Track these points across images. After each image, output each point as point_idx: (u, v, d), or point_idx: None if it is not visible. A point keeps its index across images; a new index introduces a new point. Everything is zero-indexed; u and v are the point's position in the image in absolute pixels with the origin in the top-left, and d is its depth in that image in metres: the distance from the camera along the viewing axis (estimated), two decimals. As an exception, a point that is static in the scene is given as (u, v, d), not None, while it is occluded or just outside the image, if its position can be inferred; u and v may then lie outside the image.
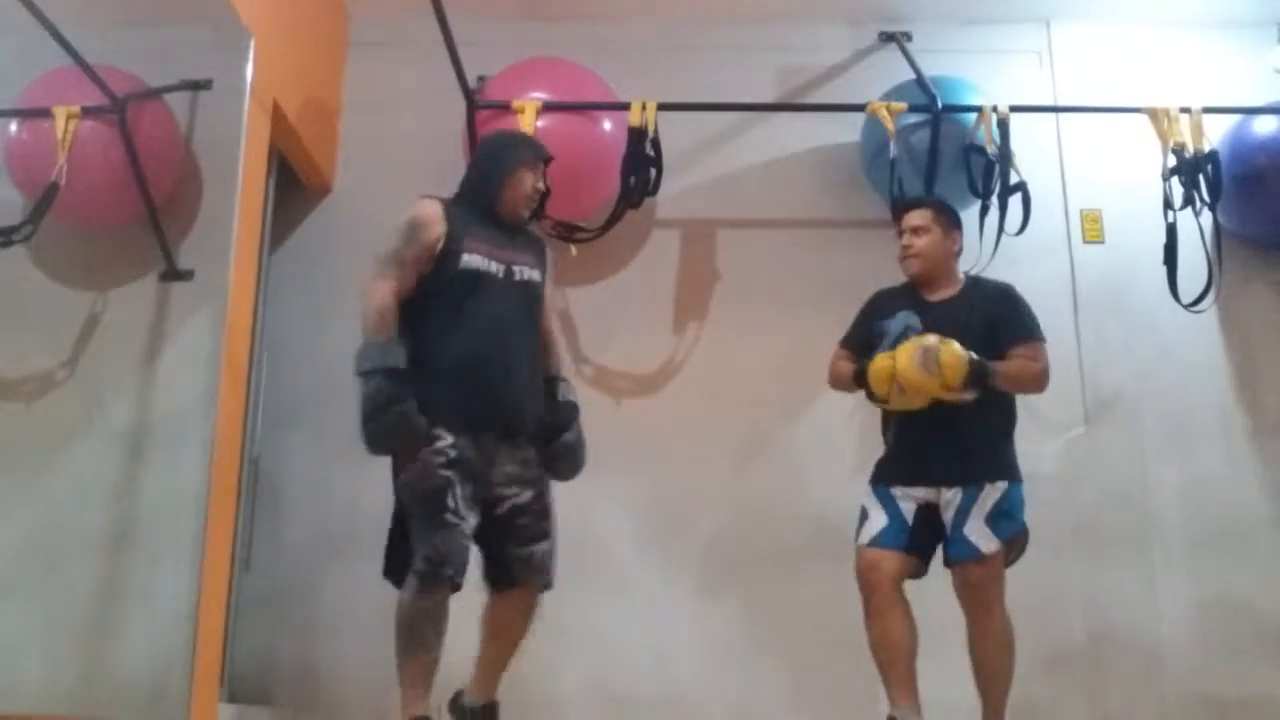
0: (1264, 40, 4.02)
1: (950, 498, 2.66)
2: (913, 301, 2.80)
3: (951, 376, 2.55)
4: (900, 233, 2.88)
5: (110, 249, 3.14)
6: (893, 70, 3.82)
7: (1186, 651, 3.50)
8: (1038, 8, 4.05)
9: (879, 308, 2.87)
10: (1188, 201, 3.43)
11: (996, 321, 2.72)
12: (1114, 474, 3.67)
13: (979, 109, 3.49)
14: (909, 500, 2.72)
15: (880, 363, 2.63)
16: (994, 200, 3.45)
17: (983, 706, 2.71)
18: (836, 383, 2.88)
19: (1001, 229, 3.45)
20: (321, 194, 3.90)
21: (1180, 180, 3.43)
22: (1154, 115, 3.48)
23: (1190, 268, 3.45)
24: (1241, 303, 3.80)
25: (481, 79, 3.64)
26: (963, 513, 2.63)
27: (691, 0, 4.01)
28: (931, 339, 2.61)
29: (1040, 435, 3.71)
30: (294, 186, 3.81)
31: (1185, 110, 3.47)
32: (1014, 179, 3.44)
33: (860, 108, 3.57)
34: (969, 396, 2.59)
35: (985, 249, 3.43)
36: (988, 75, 3.80)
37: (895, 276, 3.76)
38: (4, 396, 2.93)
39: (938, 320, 2.69)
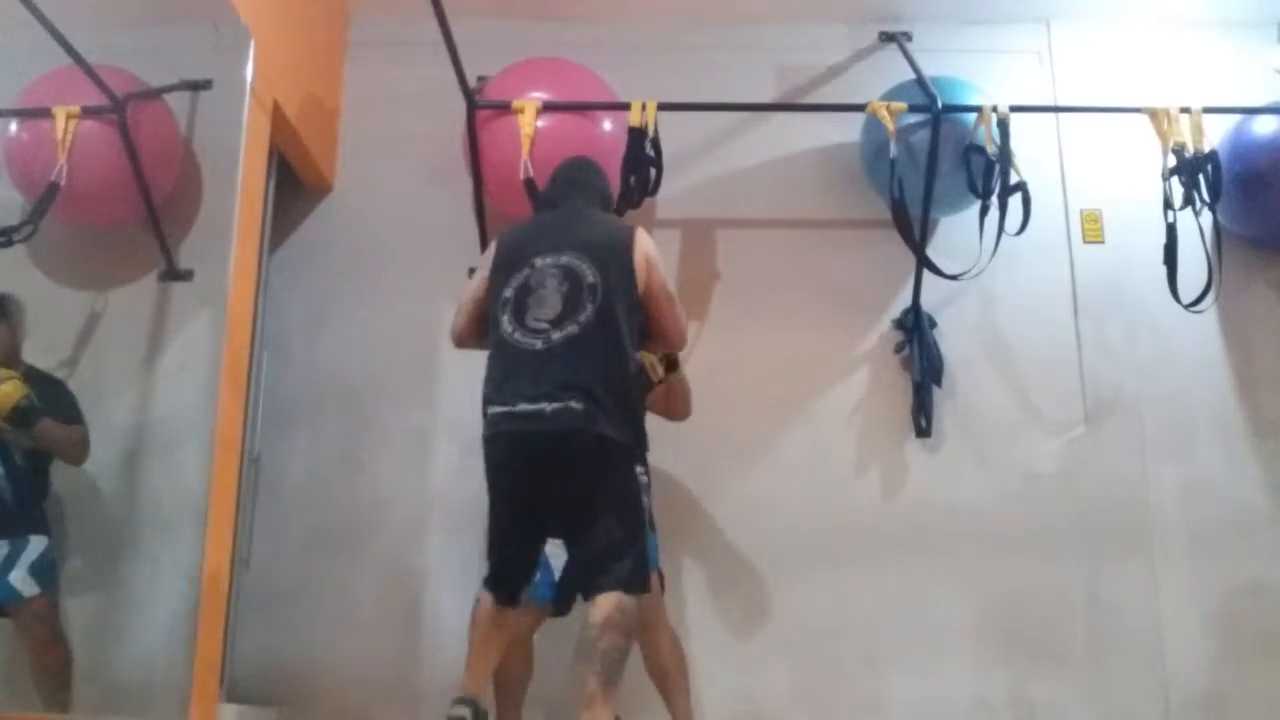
0: (1264, 40, 4.02)
1: None
2: None
3: None
4: None
5: (110, 249, 3.14)
6: (893, 70, 3.81)
7: (1186, 651, 3.50)
8: (1038, 8, 4.05)
9: None
10: (1188, 201, 3.42)
11: None
12: (1114, 474, 3.67)
13: (979, 109, 3.47)
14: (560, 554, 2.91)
15: None
16: (994, 200, 3.44)
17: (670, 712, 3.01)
18: None
19: (1001, 229, 3.45)
20: (321, 194, 3.90)
21: (1180, 180, 3.42)
22: (1154, 115, 3.48)
23: (1190, 268, 3.44)
24: (1241, 303, 3.80)
25: (481, 79, 3.63)
26: None
27: (691, 0, 4.01)
28: None
29: (1040, 435, 3.72)
30: (294, 186, 3.81)
31: (1185, 110, 3.46)
32: (1014, 179, 3.42)
33: (860, 108, 3.57)
34: None
35: (985, 249, 3.44)
36: (988, 75, 3.80)
37: (894, 277, 3.82)
38: (4, 396, 2.92)
39: None
